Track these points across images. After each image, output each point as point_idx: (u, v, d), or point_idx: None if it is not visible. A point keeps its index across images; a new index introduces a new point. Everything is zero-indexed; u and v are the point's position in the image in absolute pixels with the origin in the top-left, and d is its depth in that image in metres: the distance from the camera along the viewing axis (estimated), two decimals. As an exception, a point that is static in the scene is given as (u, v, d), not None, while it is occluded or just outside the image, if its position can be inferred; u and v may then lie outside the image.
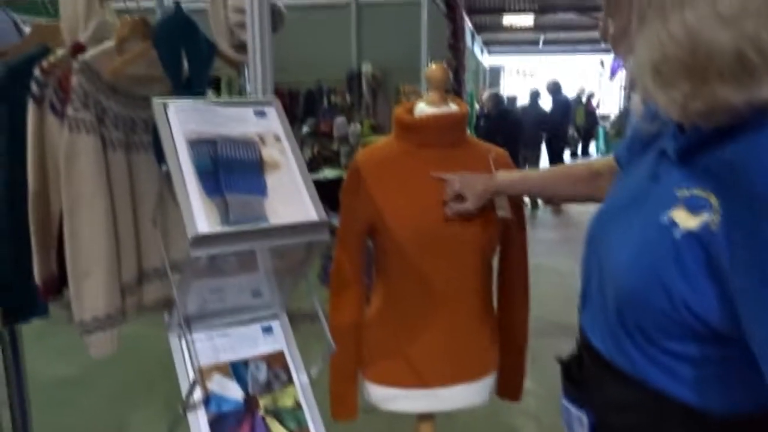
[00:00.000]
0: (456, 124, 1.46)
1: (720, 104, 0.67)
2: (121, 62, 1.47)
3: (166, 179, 1.05)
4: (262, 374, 1.22)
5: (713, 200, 0.69)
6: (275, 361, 1.25)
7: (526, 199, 1.46)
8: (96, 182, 1.42)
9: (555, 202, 1.58)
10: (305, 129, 5.23)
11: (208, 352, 1.21)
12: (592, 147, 15.39)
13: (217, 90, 4.29)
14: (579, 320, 0.97)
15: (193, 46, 1.54)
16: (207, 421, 1.13)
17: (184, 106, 1.12)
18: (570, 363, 0.97)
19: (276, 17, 1.48)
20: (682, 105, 0.70)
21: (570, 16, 16.74)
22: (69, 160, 1.39)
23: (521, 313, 1.62)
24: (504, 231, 1.53)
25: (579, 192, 1.34)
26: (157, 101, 1.10)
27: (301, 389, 1.24)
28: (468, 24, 8.52)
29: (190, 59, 1.54)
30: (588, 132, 14.89)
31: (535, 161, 8.10)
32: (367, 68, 5.30)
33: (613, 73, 16.19)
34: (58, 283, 1.54)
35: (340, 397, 1.56)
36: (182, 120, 1.10)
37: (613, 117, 14.24)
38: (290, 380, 1.24)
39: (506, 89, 16.36)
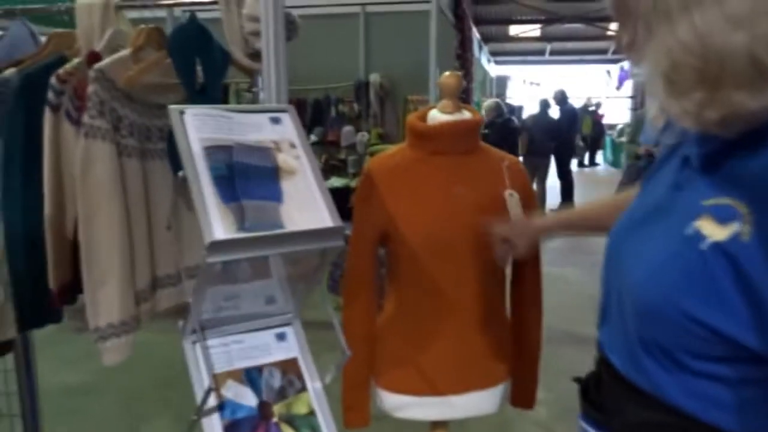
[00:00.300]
0: (469, 131, 1.46)
1: (736, 111, 0.64)
2: (136, 71, 1.48)
3: (182, 186, 1.06)
4: (276, 381, 1.22)
5: (743, 209, 0.65)
6: (289, 367, 1.24)
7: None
8: (111, 189, 1.43)
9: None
10: (313, 138, 5.24)
11: (223, 359, 1.21)
12: (599, 156, 15.39)
13: (225, 98, 4.31)
14: (598, 336, 0.92)
15: (207, 54, 1.56)
16: (222, 428, 1.13)
17: (200, 113, 1.13)
18: (588, 382, 0.93)
19: (290, 26, 1.49)
20: (696, 114, 0.67)
21: (577, 26, 16.76)
22: (85, 168, 1.40)
23: (534, 321, 1.62)
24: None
25: None
26: (173, 108, 1.11)
27: (314, 396, 1.24)
28: (475, 34, 8.55)
29: (204, 67, 1.55)
30: (595, 141, 14.89)
31: (544, 170, 8.09)
32: (375, 78, 5.30)
33: (620, 82, 16.23)
34: (73, 289, 1.55)
35: (353, 405, 1.56)
36: (198, 127, 1.11)
37: (620, 126, 14.23)
38: (304, 387, 1.24)
39: (513, 98, 16.37)
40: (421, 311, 1.49)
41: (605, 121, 15.68)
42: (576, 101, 10.44)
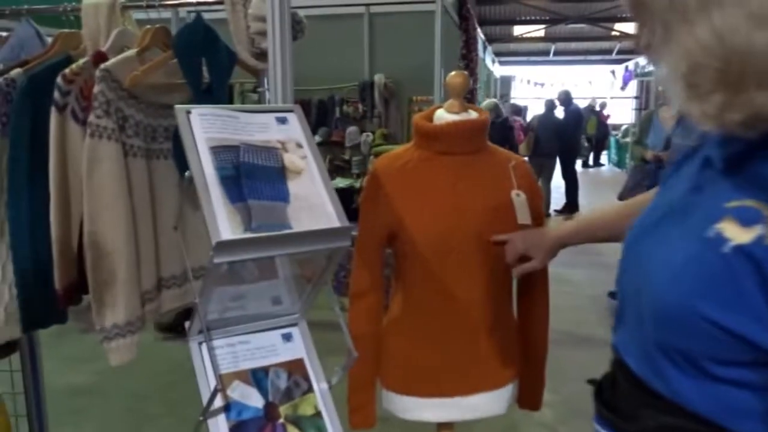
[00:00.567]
0: (476, 131, 1.45)
1: (760, 112, 0.62)
2: (141, 71, 1.48)
3: (188, 186, 1.05)
4: (282, 382, 1.21)
5: None
6: (295, 368, 1.24)
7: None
8: (117, 189, 1.42)
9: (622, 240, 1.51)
10: (317, 138, 5.24)
11: (228, 360, 1.20)
12: (604, 157, 15.36)
13: (230, 98, 4.31)
14: (613, 339, 0.91)
15: (213, 54, 1.56)
16: (227, 429, 1.12)
17: (207, 112, 1.13)
18: (602, 383, 0.91)
19: (296, 26, 1.49)
20: (717, 117, 0.65)
21: (581, 26, 16.74)
22: (90, 167, 1.40)
23: (541, 322, 1.61)
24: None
25: None
26: (179, 108, 1.11)
27: (321, 397, 1.23)
28: (480, 34, 8.54)
29: (210, 67, 1.55)
30: (600, 142, 14.87)
31: (549, 171, 8.07)
32: (379, 78, 5.30)
33: (624, 82, 16.20)
34: (78, 290, 1.55)
35: (359, 406, 1.55)
36: (205, 127, 1.11)
37: (624, 126, 14.21)
38: (310, 388, 1.23)
39: (516, 99, 16.35)
40: (427, 312, 1.48)
41: (610, 121, 15.66)
42: (580, 102, 10.40)
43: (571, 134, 8.49)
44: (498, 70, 16.57)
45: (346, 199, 4.77)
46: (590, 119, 13.68)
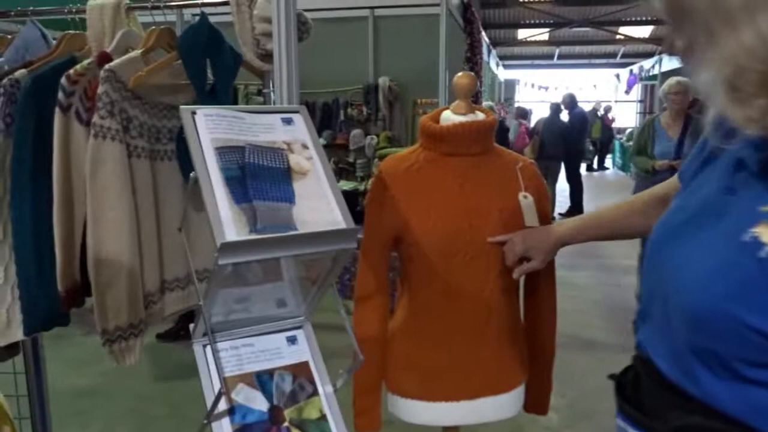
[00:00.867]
0: (482, 132, 1.44)
1: None
2: (146, 71, 1.48)
3: (193, 187, 1.04)
4: (287, 385, 1.20)
5: None
6: (300, 371, 1.23)
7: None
8: (120, 190, 1.42)
9: (627, 238, 1.48)
10: (321, 141, 5.24)
11: (233, 362, 1.19)
12: (608, 160, 15.35)
13: (235, 101, 4.30)
14: (637, 336, 0.91)
15: (218, 55, 1.55)
16: (232, 433, 1.11)
17: (212, 113, 1.12)
18: (624, 379, 0.91)
19: (302, 27, 1.48)
20: (761, 121, 0.64)
21: (585, 30, 16.74)
22: (94, 168, 1.39)
23: (548, 325, 1.59)
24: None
25: (652, 223, 1.27)
26: (184, 109, 1.10)
27: (326, 400, 1.22)
28: (484, 38, 8.53)
29: (215, 68, 1.54)
30: (604, 145, 14.85)
31: (555, 174, 8.06)
32: (384, 81, 5.29)
33: (629, 86, 16.18)
34: (81, 292, 1.54)
35: (364, 410, 1.54)
36: (210, 127, 1.10)
37: (629, 130, 14.18)
38: (315, 391, 1.22)
39: (521, 102, 16.34)
40: (433, 315, 1.47)
41: (614, 125, 15.65)
42: (585, 105, 10.39)
43: (576, 138, 8.48)
44: (502, 74, 16.57)
45: (351, 202, 4.76)
46: (595, 123, 13.67)
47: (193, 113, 1.10)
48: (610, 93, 18.71)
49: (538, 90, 18.91)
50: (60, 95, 1.46)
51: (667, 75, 11.56)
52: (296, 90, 1.42)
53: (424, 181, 1.43)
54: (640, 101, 15.99)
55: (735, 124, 0.69)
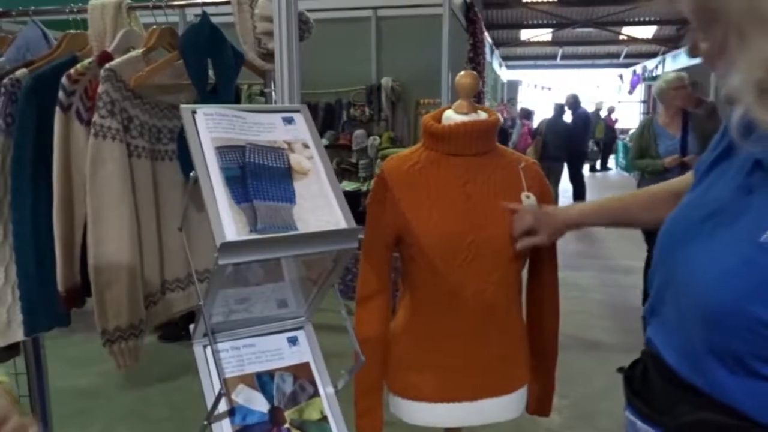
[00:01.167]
0: (484, 132, 1.43)
1: None
2: (146, 71, 1.47)
3: (193, 187, 1.04)
4: (288, 386, 1.19)
5: None
6: (301, 372, 1.22)
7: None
8: (121, 190, 1.41)
9: (634, 227, 1.48)
10: (324, 141, 5.23)
11: (233, 363, 1.18)
12: (611, 161, 15.32)
13: (237, 101, 4.30)
14: (647, 332, 0.92)
15: (219, 55, 1.54)
16: (232, 434, 1.10)
17: (212, 112, 1.11)
18: (632, 373, 0.92)
19: (303, 26, 1.47)
20: None
21: (588, 30, 16.72)
22: (94, 168, 1.39)
23: (551, 326, 1.58)
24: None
25: (662, 216, 1.28)
26: (185, 108, 1.09)
27: (327, 401, 1.21)
28: (487, 38, 8.52)
29: (216, 68, 1.54)
30: (607, 146, 14.83)
31: (557, 174, 8.05)
32: (386, 81, 5.29)
33: (632, 87, 16.17)
34: (81, 292, 1.54)
35: (365, 411, 1.53)
36: (210, 126, 1.09)
37: (632, 131, 14.16)
38: (316, 392, 1.21)
39: (523, 103, 16.33)
40: (435, 315, 1.46)
41: (617, 125, 15.62)
42: (588, 106, 10.37)
43: (579, 138, 8.47)
44: (505, 74, 16.56)
45: (353, 202, 4.75)
46: (598, 123, 13.65)
47: (194, 112, 1.09)
48: (613, 93, 18.67)
49: (541, 90, 18.89)
50: (60, 95, 1.45)
51: (670, 75, 11.53)
52: (297, 89, 1.42)
53: (426, 180, 1.42)
54: (643, 102, 15.96)
55: (760, 125, 0.70)
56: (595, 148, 13.85)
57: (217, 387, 1.10)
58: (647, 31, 17.53)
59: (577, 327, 4.18)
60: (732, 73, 0.70)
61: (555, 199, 7.86)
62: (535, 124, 10.11)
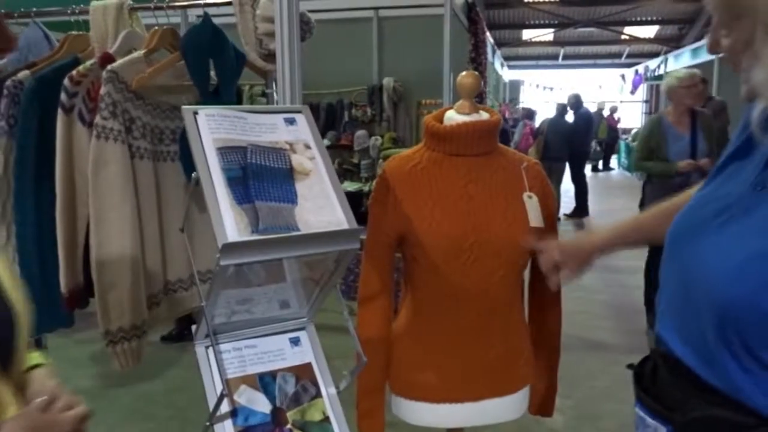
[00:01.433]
0: (486, 132, 1.43)
1: None
2: (148, 72, 1.47)
3: (195, 187, 1.04)
4: (290, 387, 1.19)
5: None
6: (303, 373, 1.22)
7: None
8: (123, 191, 1.41)
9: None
10: (326, 142, 5.23)
11: (235, 364, 1.18)
12: (614, 161, 15.30)
13: (239, 101, 4.29)
14: (657, 328, 0.92)
15: (221, 55, 1.54)
16: (234, 435, 1.10)
17: (214, 113, 1.11)
18: (641, 370, 0.92)
19: (304, 26, 1.47)
20: None
21: (590, 30, 16.71)
22: (96, 169, 1.39)
23: (554, 326, 1.58)
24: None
25: None
26: (186, 109, 1.09)
27: (329, 402, 1.21)
28: (489, 38, 8.52)
29: (218, 69, 1.54)
30: (610, 146, 14.81)
31: (559, 174, 8.03)
32: (388, 82, 5.29)
33: (634, 86, 16.15)
34: (84, 293, 1.54)
35: (368, 411, 1.52)
36: (212, 127, 1.09)
37: (634, 130, 14.14)
38: (318, 393, 1.21)
39: (525, 103, 16.31)
40: (437, 316, 1.45)
41: (620, 125, 15.60)
42: (590, 106, 10.36)
43: (581, 138, 8.44)
44: (507, 74, 16.53)
45: (355, 202, 4.75)
46: (601, 123, 13.63)
47: (195, 113, 1.09)
48: (616, 93, 18.64)
49: (543, 90, 18.87)
50: (63, 96, 1.46)
51: (672, 75, 11.51)
52: (299, 89, 1.42)
53: (428, 181, 1.42)
54: (646, 101, 15.93)
55: None
56: (598, 148, 13.82)
57: (220, 388, 1.10)
58: (649, 31, 17.51)
59: (580, 327, 4.17)
60: (756, 68, 0.71)
61: (557, 200, 7.87)
62: (536, 123, 10.09)
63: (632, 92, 16.45)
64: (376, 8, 5.38)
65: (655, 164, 3.75)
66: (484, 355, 1.47)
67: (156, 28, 1.60)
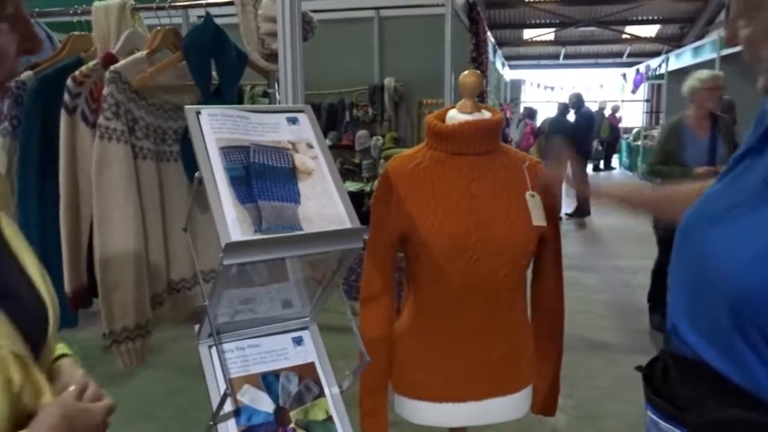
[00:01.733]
0: (489, 131, 1.43)
1: None
2: (150, 72, 1.47)
3: (198, 187, 1.04)
4: (293, 386, 1.19)
5: None
6: (306, 372, 1.22)
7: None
8: (126, 191, 1.42)
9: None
10: (327, 142, 5.24)
11: (239, 364, 1.18)
12: (615, 160, 15.28)
13: (240, 102, 4.29)
14: (667, 327, 0.91)
15: (222, 55, 1.55)
16: (238, 434, 1.10)
17: (217, 113, 1.11)
18: (651, 372, 0.92)
19: (306, 26, 1.47)
20: None
21: (591, 30, 16.70)
22: (100, 169, 1.39)
23: (556, 326, 1.58)
24: (539, 241, 1.49)
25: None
26: (189, 108, 1.10)
27: (332, 402, 1.21)
28: (490, 38, 8.51)
29: (219, 68, 1.54)
30: (611, 145, 14.80)
31: (560, 174, 8.01)
32: (389, 82, 5.29)
33: (635, 86, 16.12)
34: (88, 292, 1.54)
35: (370, 411, 1.53)
36: (215, 127, 1.09)
37: (636, 129, 14.12)
38: (321, 392, 1.21)
39: (526, 102, 16.29)
40: (440, 315, 1.45)
41: (621, 124, 15.58)
42: (591, 105, 10.35)
43: (583, 137, 8.43)
44: (508, 74, 16.52)
45: (356, 202, 4.75)
46: (602, 123, 13.62)
47: (198, 113, 1.09)
48: (617, 93, 18.62)
49: (544, 90, 18.84)
50: (66, 97, 1.46)
51: (673, 74, 11.49)
52: (301, 89, 1.42)
53: (431, 180, 1.42)
54: (647, 101, 15.91)
55: None
56: (599, 148, 13.81)
57: (223, 387, 1.10)
58: (650, 30, 17.49)
59: (582, 327, 4.16)
60: None
61: (558, 199, 7.86)
62: (538, 123, 10.09)
63: (633, 91, 16.40)
64: (377, 8, 5.39)
65: (672, 169, 3.54)
66: (487, 355, 1.47)
67: (158, 28, 1.60)
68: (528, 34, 17.71)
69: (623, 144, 14.89)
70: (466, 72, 1.45)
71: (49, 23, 1.88)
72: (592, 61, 20.40)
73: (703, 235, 0.84)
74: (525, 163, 1.48)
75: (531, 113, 10.92)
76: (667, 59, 12.57)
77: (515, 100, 15.81)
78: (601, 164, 14.80)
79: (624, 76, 18.11)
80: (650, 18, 16.32)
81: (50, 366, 0.87)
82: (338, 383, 1.22)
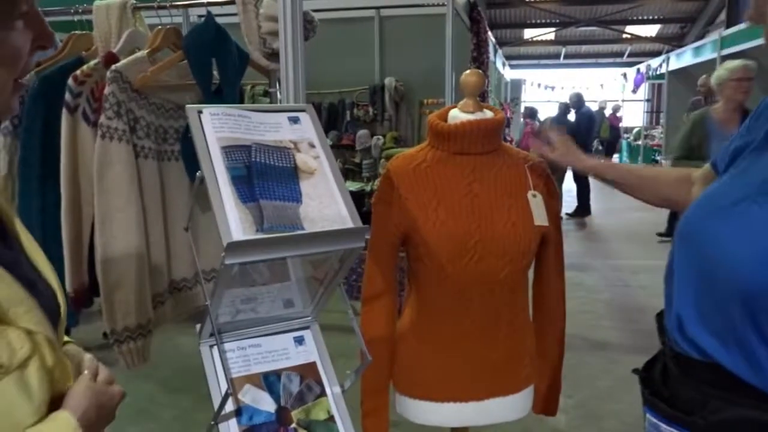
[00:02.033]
0: (491, 130, 1.43)
1: None
2: (151, 71, 1.47)
3: (199, 186, 1.04)
4: (295, 386, 1.19)
5: None
6: (308, 372, 1.22)
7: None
8: (128, 191, 1.42)
9: (636, 197, 1.39)
10: (327, 142, 5.24)
11: (240, 363, 1.18)
12: (615, 160, 15.30)
13: (241, 101, 4.28)
14: (667, 326, 0.90)
15: (223, 54, 1.55)
16: (239, 434, 1.10)
17: (218, 112, 1.11)
18: (650, 375, 0.91)
19: (308, 25, 1.47)
20: None
21: (591, 29, 16.70)
22: (101, 169, 1.39)
23: (557, 326, 1.58)
24: (541, 241, 1.48)
25: (672, 194, 1.26)
26: (190, 108, 1.09)
27: (333, 401, 1.21)
28: (490, 38, 8.51)
29: (221, 68, 1.54)
30: (612, 145, 14.80)
31: (561, 173, 8.02)
32: (390, 81, 5.28)
33: (636, 85, 16.12)
34: (89, 292, 1.54)
35: (372, 411, 1.53)
36: (216, 126, 1.09)
37: (636, 129, 14.12)
38: (323, 392, 1.21)
39: (527, 102, 16.29)
40: (442, 315, 1.45)
41: (621, 124, 15.58)
42: (591, 105, 10.34)
43: (583, 137, 8.43)
44: (508, 74, 16.51)
45: (357, 202, 4.75)
46: (603, 122, 13.61)
47: (200, 112, 1.09)
48: (617, 92, 18.61)
49: (545, 90, 18.83)
50: (67, 96, 1.46)
51: (674, 74, 11.49)
52: (303, 88, 1.42)
53: (433, 179, 1.42)
54: (647, 100, 15.91)
55: None
56: (600, 147, 13.80)
57: (224, 387, 1.10)
58: (651, 30, 17.49)
59: (584, 327, 4.16)
60: None
61: (559, 199, 7.86)
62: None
63: (634, 91, 16.40)
64: (378, 8, 5.38)
65: (695, 165, 3.52)
66: (489, 355, 1.47)
67: (159, 27, 1.60)
68: (528, 33, 17.71)
69: (624, 144, 14.89)
70: (468, 71, 1.45)
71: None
72: (593, 60, 20.40)
73: (707, 232, 0.83)
74: (527, 162, 1.48)
75: (532, 113, 10.91)
76: (668, 59, 12.56)
77: (516, 99, 15.80)
78: (602, 164, 14.78)
79: (624, 75, 18.10)
80: (651, 17, 16.32)
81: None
82: (340, 383, 1.22)
